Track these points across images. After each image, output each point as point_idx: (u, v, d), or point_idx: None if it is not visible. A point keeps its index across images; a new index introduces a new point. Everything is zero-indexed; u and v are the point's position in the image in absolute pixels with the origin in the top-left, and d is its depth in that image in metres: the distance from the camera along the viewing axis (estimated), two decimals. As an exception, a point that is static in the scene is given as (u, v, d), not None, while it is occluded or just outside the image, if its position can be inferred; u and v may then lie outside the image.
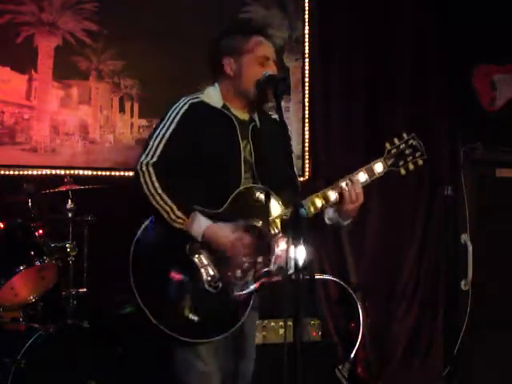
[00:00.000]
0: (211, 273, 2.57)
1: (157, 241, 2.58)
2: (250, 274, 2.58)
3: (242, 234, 2.58)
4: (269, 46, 2.73)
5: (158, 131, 2.62)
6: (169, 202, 2.52)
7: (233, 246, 2.55)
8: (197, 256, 2.57)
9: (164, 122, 2.63)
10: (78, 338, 3.56)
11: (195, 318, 2.54)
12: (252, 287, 2.57)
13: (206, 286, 2.56)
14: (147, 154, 2.58)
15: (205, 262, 2.57)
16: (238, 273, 2.59)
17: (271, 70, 2.68)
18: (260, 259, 2.60)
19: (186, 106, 2.65)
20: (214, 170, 2.62)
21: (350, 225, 2.77)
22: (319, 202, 2.67)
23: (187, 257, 2.56)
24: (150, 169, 2.55)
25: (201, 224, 2.54)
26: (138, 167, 2.56)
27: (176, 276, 2.55)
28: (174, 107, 2.66)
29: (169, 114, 2.64)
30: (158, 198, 2.52)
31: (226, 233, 2.56)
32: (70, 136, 4.50)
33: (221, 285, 2.57)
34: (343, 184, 2.68)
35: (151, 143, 2.60)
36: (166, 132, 2.60)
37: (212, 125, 2.66)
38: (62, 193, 3.93)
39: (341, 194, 2.67)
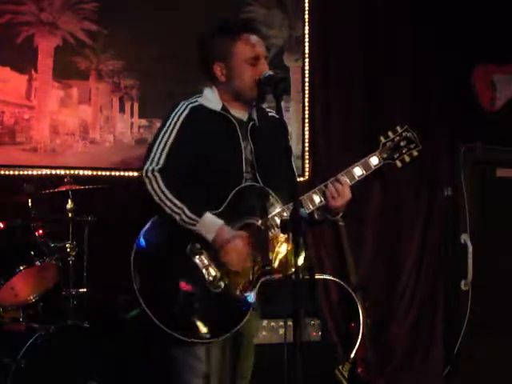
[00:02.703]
0: (213, 273, 2.57)
1: (158, 243, 2.58)
2: (251, 272, 2.59)
3: (245, 238, 2.58)
4: (257, 42, 2.68)
5: (160, 138, 2.62)
6: (179, 204, 2.52)
7: (235, 251, 2.55)
8: (198, 257, 2.57)
9: (166, 128, 2.62)
10: (77, 338, 3.55)
11: (198, 319, 2.53)
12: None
13: (209, 286, 2.56)
14: (152, 161, 2.58)
15: (206, 262, 2.57)
16: (240, 272, 2.58)
17: (264, 68, 2.65)
18: (259, 258, 2.60)
19: (186, 111, 2.64)
20: (217, 173, 2.61)
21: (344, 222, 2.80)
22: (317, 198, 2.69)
23: (188, 258, 2.56)
24: (157, 174, 2.55)
25: (214, 224, 2.55)
26: (144, 175, 2.56)
27: (178, 277, 2.55)
28: (175, 112, 2.65)
29: (170, 120, 2.63)
30: (168, 202, 2.53)
31: (229, 236, 2.55)
32: (69, 136, 4.49)
33: (223, 285, 2.57)
34: (328, 182, 2.71)
35: (154, 150, 2.60)
36: (168, 138, 2.61)
37: (213, 128, 2.65)
38: (62, 193, 3.93)
39: (323, 191, 2.68)
